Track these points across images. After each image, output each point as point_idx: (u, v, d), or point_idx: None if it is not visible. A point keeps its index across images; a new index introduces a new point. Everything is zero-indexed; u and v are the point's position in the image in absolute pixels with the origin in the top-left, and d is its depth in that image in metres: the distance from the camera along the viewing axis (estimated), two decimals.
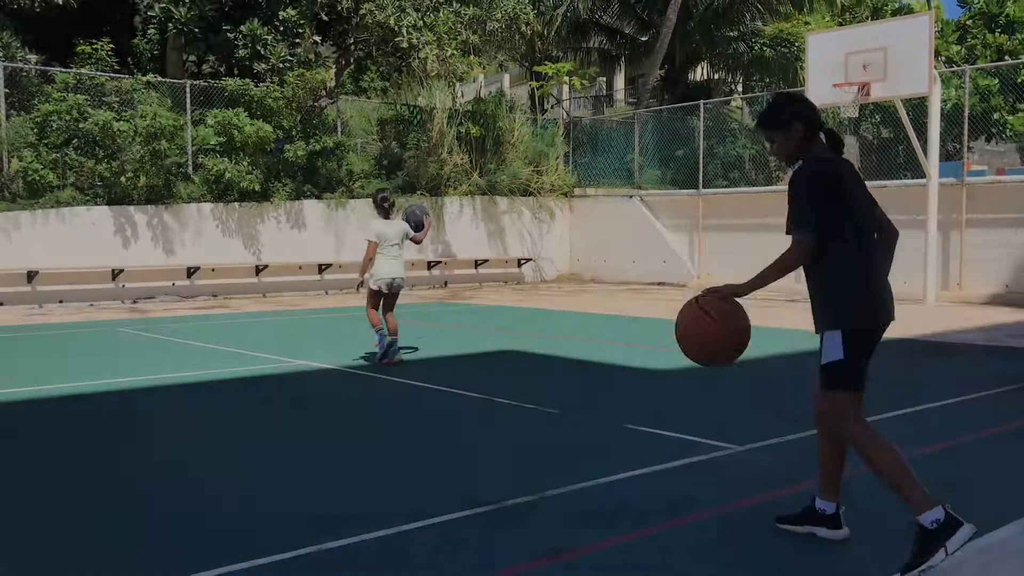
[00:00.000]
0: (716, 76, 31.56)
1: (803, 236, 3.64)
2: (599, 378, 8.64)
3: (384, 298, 9.14)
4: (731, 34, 28.47)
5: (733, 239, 19.36)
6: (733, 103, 27.37)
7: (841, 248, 3.66)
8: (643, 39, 28.85)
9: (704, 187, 20.50)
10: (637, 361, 9.41)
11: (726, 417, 6.65)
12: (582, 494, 4.69)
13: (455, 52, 19.83)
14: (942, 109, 16.44)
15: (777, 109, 3.89)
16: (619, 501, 4.59)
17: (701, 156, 20.70)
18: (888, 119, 22.46)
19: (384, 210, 9.27)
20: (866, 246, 3.76)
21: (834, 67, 15.49)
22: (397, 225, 9.30)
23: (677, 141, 22.64)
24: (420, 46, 19.34)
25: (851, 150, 25.89)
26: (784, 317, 13.51)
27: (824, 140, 3.87)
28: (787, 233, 3.79)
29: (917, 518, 3.43)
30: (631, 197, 21.79)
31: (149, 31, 20.36)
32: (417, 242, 9.68)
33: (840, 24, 27.37)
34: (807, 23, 26.93)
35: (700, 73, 33.53)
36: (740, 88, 31.46)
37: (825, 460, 3.90)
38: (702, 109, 21.28)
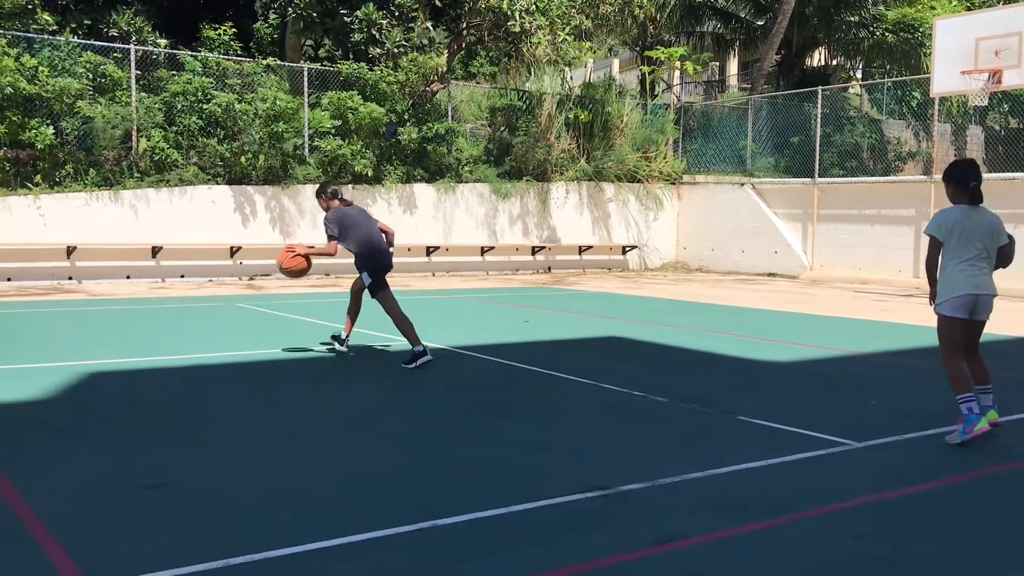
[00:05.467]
0: (834, 62, 30.58)
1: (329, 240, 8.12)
2: (708, 368, 8.52)
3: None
4: (851, 19, 27.52)
5: (849, 230, 18.81)
6: (852, 90, 26.51)
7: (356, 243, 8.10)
8: (759, 23, 28.17)
9: (820, 176, 19.94)
10: (747, 352, 9.25)
11: (842, 412, 6.48)
12: (694, 484, 4.65)
13: (567, 37, 19.77)
14: None
15: (318, 191, 8.48)
16: (732, 493, 4.54)
17: (817, 144, 20.13)
18: (1017, 108, 21.41)
19: (961, 188, 5.62)
20: (372, 240, 8.15)
21: (963, 53, 14.86)
22: (982, 216, 5.59)
23: (792, 128, 22.06)
24: (532, 31, 19.35)
25: (975, 141, 24.77)
26: (903, 312, 13.07)
27: (345, 203, 8.34)
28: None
29: (413, 347, 7.93)
30: (743, 185, 21.37)
31: (270, 16, 21.00)
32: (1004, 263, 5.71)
33: (968, 8, 26.11)
34: (932, 8, 25.80)
35: (817, 59, 32.54)
36: (859, 74, 30.43)
37: (401, 329, 8.07)
38: (819, 95, 20.68)
